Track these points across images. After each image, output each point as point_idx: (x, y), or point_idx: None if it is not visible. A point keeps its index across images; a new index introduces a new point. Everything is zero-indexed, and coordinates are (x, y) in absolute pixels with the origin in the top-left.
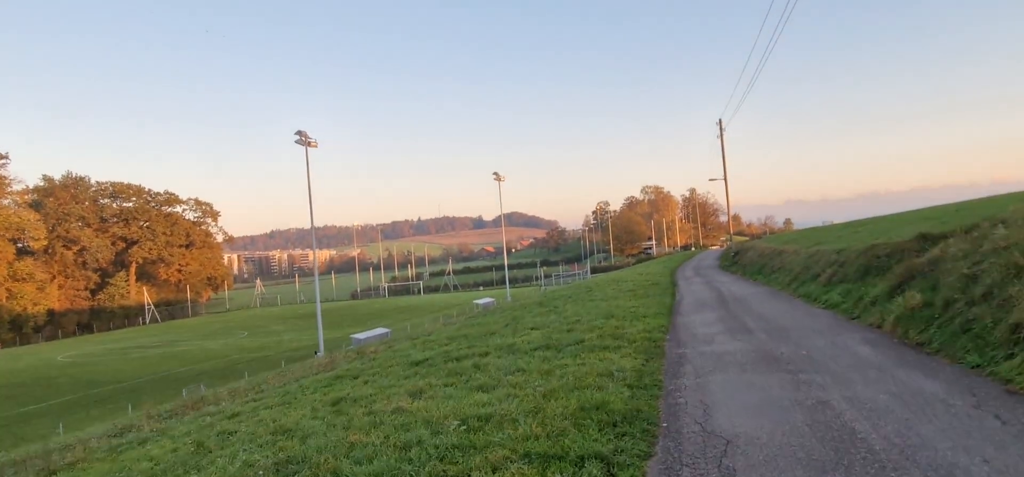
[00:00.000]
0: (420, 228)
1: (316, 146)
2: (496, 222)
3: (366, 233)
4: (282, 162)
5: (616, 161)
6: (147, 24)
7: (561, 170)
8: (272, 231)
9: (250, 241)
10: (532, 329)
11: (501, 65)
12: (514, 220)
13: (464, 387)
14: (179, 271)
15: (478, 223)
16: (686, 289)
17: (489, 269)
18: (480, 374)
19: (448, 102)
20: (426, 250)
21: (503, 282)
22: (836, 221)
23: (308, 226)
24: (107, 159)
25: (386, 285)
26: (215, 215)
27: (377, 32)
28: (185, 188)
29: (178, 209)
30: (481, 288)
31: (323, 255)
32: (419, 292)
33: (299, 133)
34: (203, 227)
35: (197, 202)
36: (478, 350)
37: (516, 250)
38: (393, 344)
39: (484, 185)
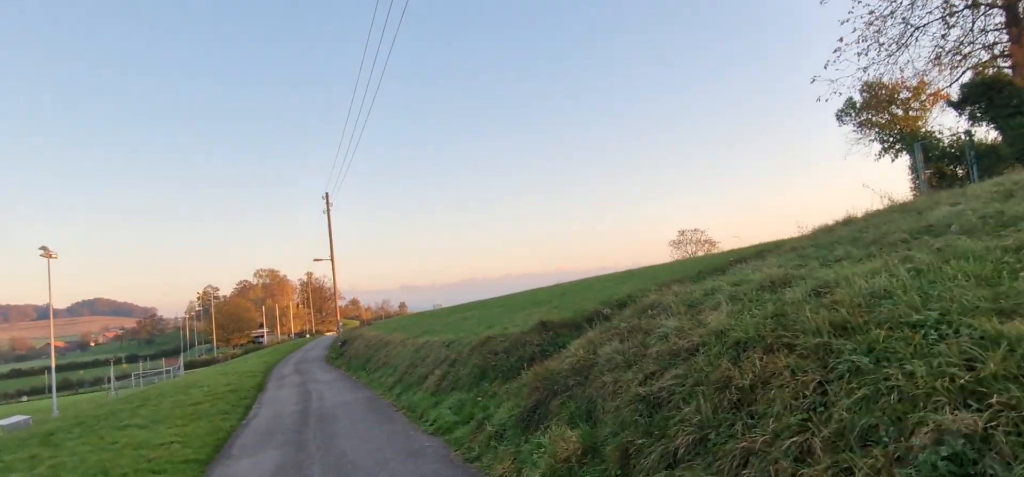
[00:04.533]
0: None
1: None
2: (72, 311)
3: None
4: None
5: (229, 242)
6: None
7: (162, 251)
8: None
9: None
10: None
11: (75, 120)
12: (98, 307)
13: None
14: None
15: (44, 312)
16: (271, 397)
17: (45, 371)
18: None
19: None
20: None
21: (66, 385)
22: (444, 305)
23: None
24: None
25: None
26: None
27: None
28: None
29: None
30: (25, 398)
31: None
32: None
33: None
34: None
35: None
36: None
37: (98, 343)
38: None
39: (55, 267)
